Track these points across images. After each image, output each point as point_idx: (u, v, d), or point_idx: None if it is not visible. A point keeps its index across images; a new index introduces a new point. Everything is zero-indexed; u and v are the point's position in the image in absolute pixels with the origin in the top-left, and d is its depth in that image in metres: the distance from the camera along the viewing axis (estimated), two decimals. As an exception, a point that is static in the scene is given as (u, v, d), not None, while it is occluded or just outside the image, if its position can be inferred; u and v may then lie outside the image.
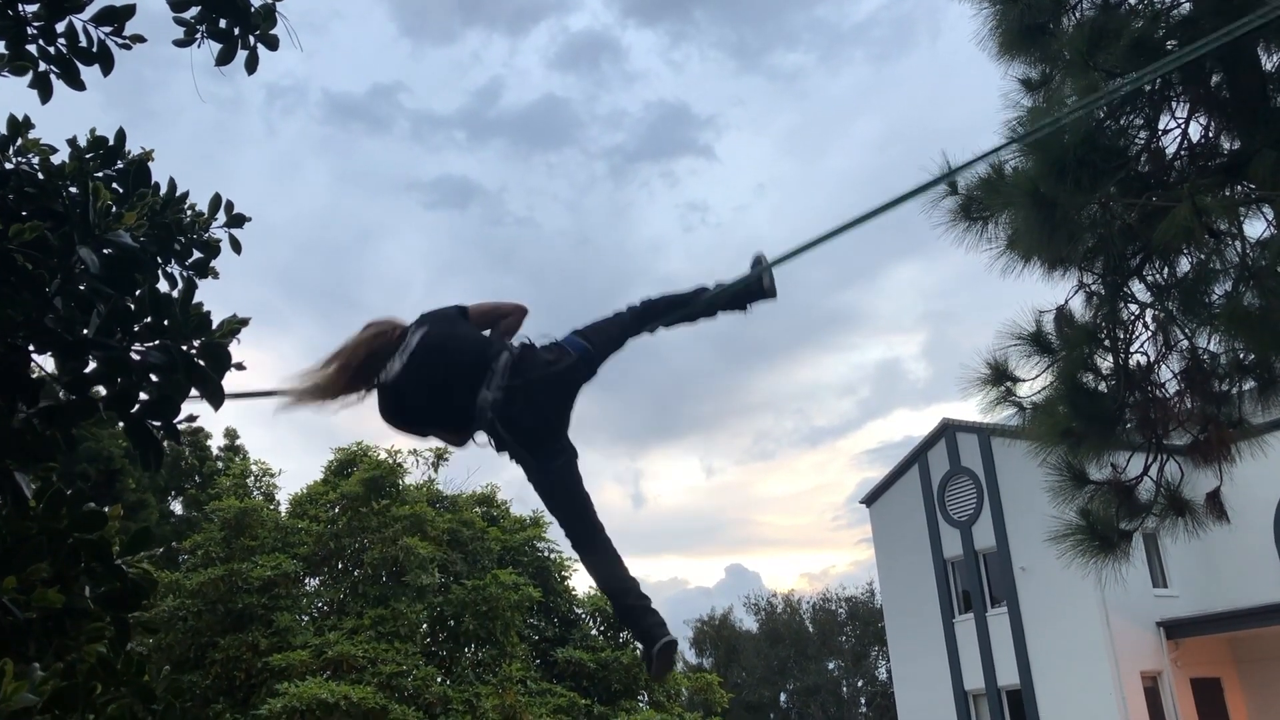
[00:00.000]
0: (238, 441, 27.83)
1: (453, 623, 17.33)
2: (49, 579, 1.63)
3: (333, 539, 17.90)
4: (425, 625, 17.42)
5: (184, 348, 1.59)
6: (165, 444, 1.76)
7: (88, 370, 1.56)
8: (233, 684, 15.87)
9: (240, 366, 1.90)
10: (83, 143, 2.51)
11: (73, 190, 1.63)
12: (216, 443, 27.66)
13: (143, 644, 15.93)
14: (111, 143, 2.46)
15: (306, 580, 18.15)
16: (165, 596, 16.50)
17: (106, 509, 1.74)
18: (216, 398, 1.72)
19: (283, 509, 19.92)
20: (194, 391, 1.78)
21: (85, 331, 1.50)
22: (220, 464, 26.07)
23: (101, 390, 1.60)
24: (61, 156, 2.59)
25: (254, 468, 21.37)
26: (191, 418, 1.87)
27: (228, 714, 15.46)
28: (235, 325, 1.76)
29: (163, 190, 2.61)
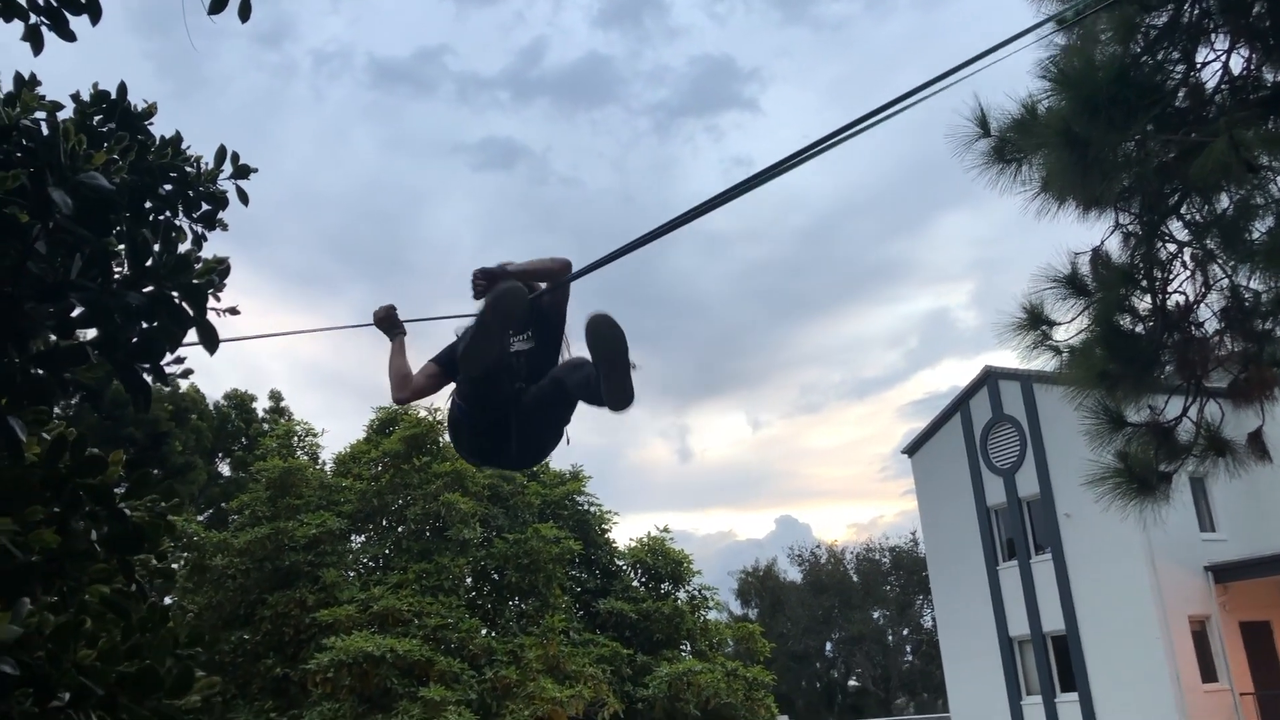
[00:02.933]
0: (282, 404, 28.25)
1: (496, 576, 17.57)
2: (45, 520, 1.67)
3: (376, 496, 18.16)
4: (469, 579, 17.68)
5: (166, 290, 1.60)
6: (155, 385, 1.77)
7: (73, 315, 1.57)
8: (282, 639, 16.23)
9: (234, 311, 1.91)
10: (86, 97, 2.53)
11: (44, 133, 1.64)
12: (262, 405, 28.08)
13: (193, 601, 16.32)
14: (114, 96, 2.47)
15: (351, 537, 18.45)
16: (215, 555, 16.86)
17: (109, 455, 1.77)
18: (210, 341, 1.74)
19: (327, 468, 20.22)
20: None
21: (69, 275, 1.51)
22: (265, 426, 26.47)
23: (89, 334, 1.62)
24: (67, 112, 2.61)
25: (298, 429, 21.68)
26: (180, 359, 1.89)
27: (278, 668, 15.83)
28: (213, 265, 1.77)
29: (168, 143, 2.63)
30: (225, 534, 17.52)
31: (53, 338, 1.60)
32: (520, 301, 3.23)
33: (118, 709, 1.40)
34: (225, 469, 26.58)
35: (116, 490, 1.75)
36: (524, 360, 3.79)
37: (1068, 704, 23.06)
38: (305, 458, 20.44)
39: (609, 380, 3.29)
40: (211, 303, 1.79)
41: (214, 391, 26.89)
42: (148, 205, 2.19)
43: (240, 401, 27.30)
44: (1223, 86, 6.86)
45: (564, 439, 3.79)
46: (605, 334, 3.23)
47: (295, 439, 21.11)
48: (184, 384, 24.85)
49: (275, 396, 28.29)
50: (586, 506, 19.61)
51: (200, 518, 21.90)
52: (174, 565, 21.97)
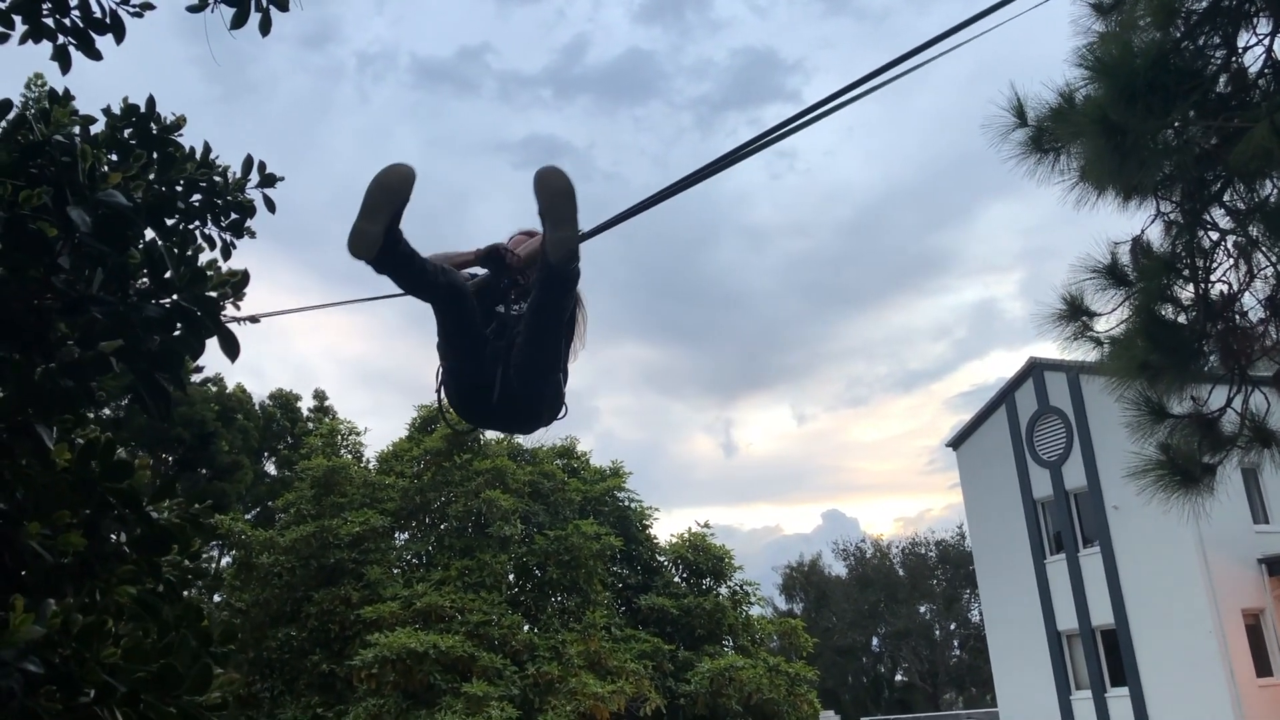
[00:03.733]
0: (326, 403, 28.62)
1: (537, 572, 17.68)
2: (73, 524, 1.73)
3: (418, 494, 18.34)
4: (510, 575, 17.81)
5: (182, 302, 1.66)
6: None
7: (95, 328, 1.63)
8: (328, 636, 16.45)
9: (254, 319, 1.96)
10: (116, 111, 2.60)
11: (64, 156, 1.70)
12: (306, 404, 28.47)
13: (240, 599, 16.59)
14: (143, 110, 2.54)
15: (394, 534, 18.66)
16: (261, 553, 17.13)
17: (135, 461, 1.83)
18: (231, 348, 1.79)
19: (370, 466, 20.47)
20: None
21: (91, 289, 1.57)
22: (310, 425, 26.83)
23: (112, 345, 1.67)
24: (99, 125, 2.68)
25: (342, 427, 21.95)
26: (199, 368, 1.94)
27: (324, 664, 16.05)
28: (227, 278, 1.82)
29: (198, 155, 2.69)
30: (271, 532, 17.79)
31: (76, 351, 1.66)
32: (403, 182, 2.98)
33: (141, 706, 1.45)
34: (271, 468, 26.98)
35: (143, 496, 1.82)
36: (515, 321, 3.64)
37: (1118, 699, 22.77)
38: (349, 456, 20.70)
39: (550, 232, 3.15)
40: (231, 311, 1.85)
41: (261, 391, 27.32)
42: (175, 219, 2.26)
43: (285, 401, 27.70)
44: (1266, 71, 6.74)
45: (563, 410, 3.71)
46: (551, 184, 3.09)
47: (339, 438, 21.38)
48: (230, 385, 25.31)
49: (319, 396, 28.71)
50: (627, 502, 19.67)
51: (247, 516, 22.25)
52: (222, 563, 22.38)
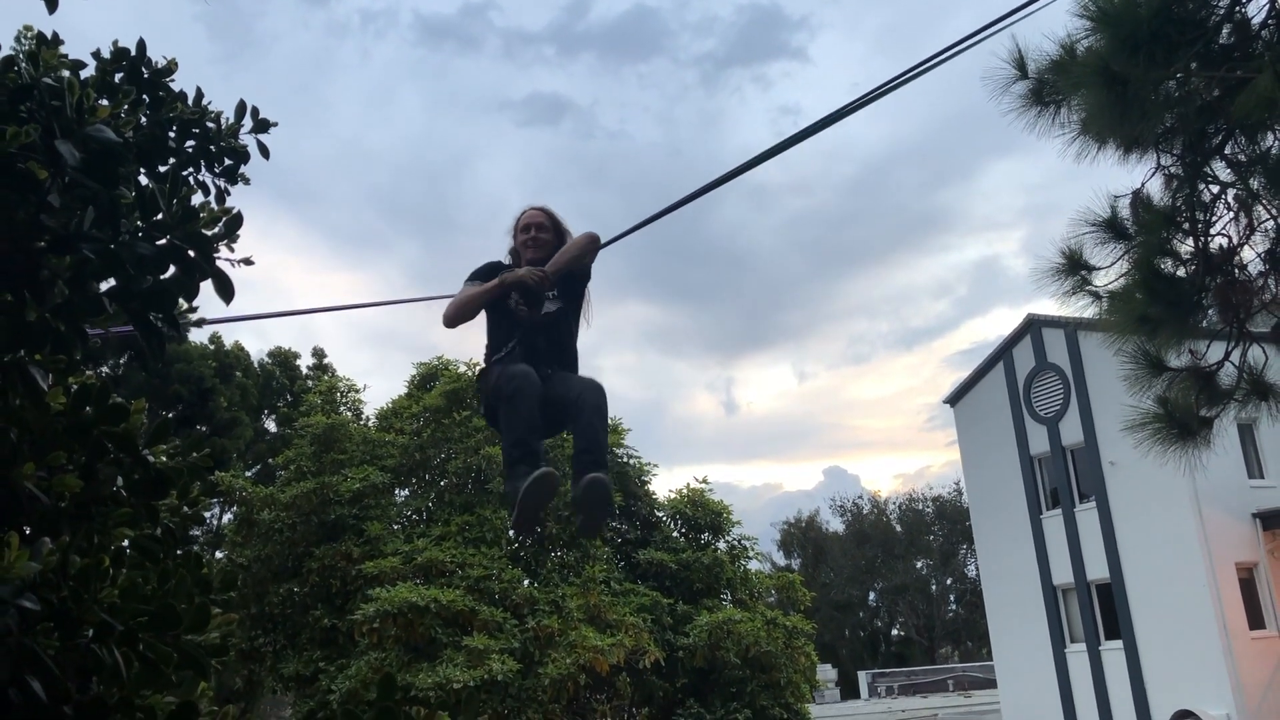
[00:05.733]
0: (325, 360, 28.62)
1: (537, 527, 17.76)
2: (68, 466, 1.72)
3: (418, 450, 18.39)
4: (510, 530, 17.90)
5: (175, 240, 1.64)
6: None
7: (86, 267, 1.61)
8: (329, 591, 16.57)
9: (248, 261, 1.95)
10: (106, 54, 2.56)
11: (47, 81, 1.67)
12: (305, 362, 28.48)
13: (242, 554, 16.70)
14: (133, 54, 2.50)
15: (395, 491, 18.72)
16: (262, 510, 17.20)
17: (131, 403, 1.82)
18: (226, 291, 1.78)
19: (370, 424, 20.50)
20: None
21: (82, 228, 1.55)
22: (309, 383, 26.85)
23: (103, 286, 1.66)
24: (89, 70, 2.64)
25: (341, 385, 21.97)
26: (194, 308, 1.93)
27: (326, 619, 16.18)
28: (219, 215, 1.80)
29: (190, 101, 2.66)
30: (272, 489, 17.85)
31: (66, 291, 1.64)
32: (552, 493, 3.75)
33: (140, 645, 1.46)
34: (271, 425, 27.04)
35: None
36: (552, 321, 4.29)
37: (1112, 651, 23.03)
38: (348, 414, 20.73)
39: (585, 522, 3.90)
40: (226, 254, 1.83)
41: (261, 349, 27.28)
42: (170, 162, 2.23)
43: (284, 359, 27.71)
44: (1269, 21, 6.67)
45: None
46: (595, 499, 3.75)
47: (339, 395, 21.40)
48: (229, 343, 25.30)
49: (318, 354, 28.70)
50: (626, 459, 19.74)
51: (248, 473, 22.33)
52: (223, 520, 22.48)
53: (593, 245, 4.35)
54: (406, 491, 19.00)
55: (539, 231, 4.44)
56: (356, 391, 21.66)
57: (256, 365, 26.34)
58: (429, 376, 19.96)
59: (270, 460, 21.98)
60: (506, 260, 4.56)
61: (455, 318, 4.24)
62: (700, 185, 4.48)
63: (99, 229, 1.56)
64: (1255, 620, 21.66)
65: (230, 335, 25.07)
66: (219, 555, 18.79)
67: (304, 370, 28.18)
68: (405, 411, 19.50)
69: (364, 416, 21.07)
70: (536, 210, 4.53)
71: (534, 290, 4.12)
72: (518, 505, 3.73)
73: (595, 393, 4.00)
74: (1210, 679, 20.93)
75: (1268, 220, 7.00)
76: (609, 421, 4.25)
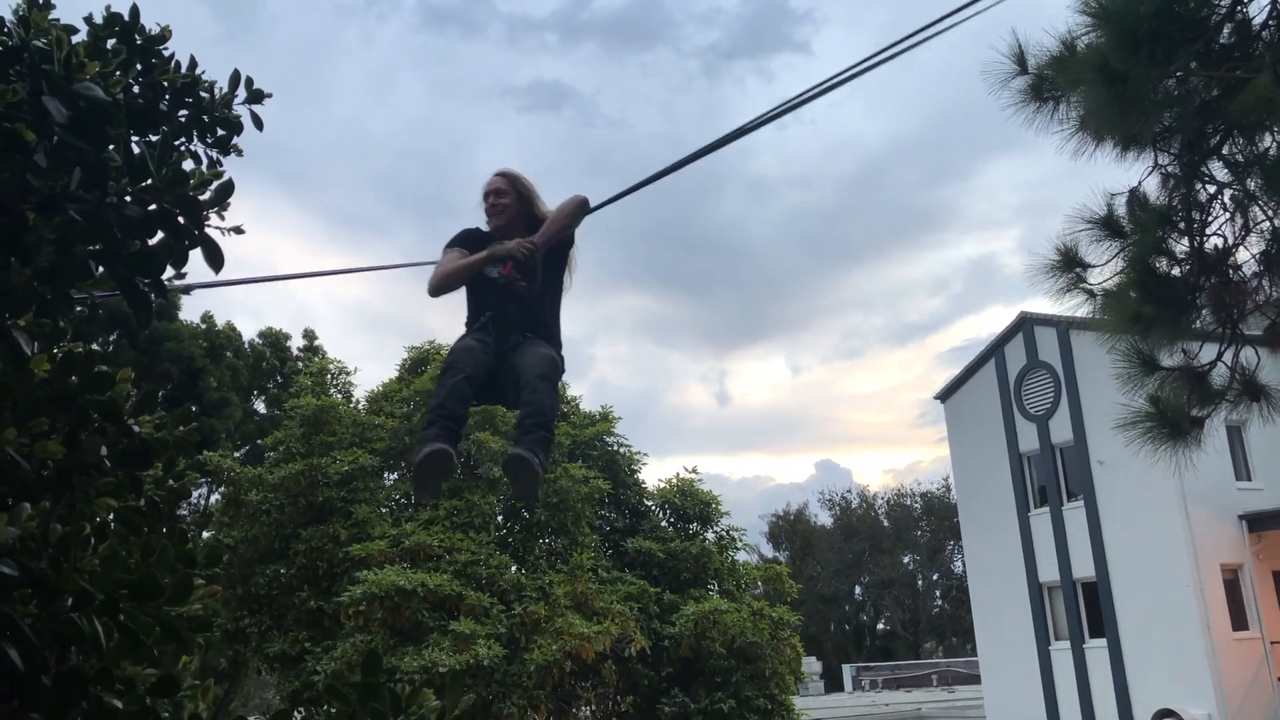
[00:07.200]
0: (316, 342, 28.51)
1: (525, 514, 17.75)
2: (50, 433, 1.70)
3: (408, 434, 18.34)
4: (498, 516, 17.89)
5: (165, 204, 1.61)
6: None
7: (73, 229, 1.58)
8: (316, 573, 16.53)
9: (239, 230, 1.91)
10: (99, 20, 2.52)
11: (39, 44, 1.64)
12: (295, 343, 28.36)
13: (229, 535, 16.64)
14: (127, 19, 2.47)
15: (383, 474, 18.67)
16: (250, 490, 17.14)
17: (117, 372, 1.79)
18: (215, 258, 1.75)
19: (360, 406, 20.44)
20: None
21: (68, 188, 1.52)
22: (300, 364, 26.75)
23: (90, 249, 1.63)
24: (81, 36, 2.60)
25: (331, 367, 21.89)
26: (182, 274, 1.89)
27: (312, 601, 16.15)
28: (208, 178, 1.77)
29: (184, 69, 2.62)
30: (260, 470, 17.79)
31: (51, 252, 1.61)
32: (444, 471, 3.80)
33: (119, 614, 1.43)
34: (260, 406, 26.93)
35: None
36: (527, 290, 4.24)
37: (1096, 650, 23.13)
38: (338, 396, 20.66)
39: (515, 491, 4.06)
40: (216, 221, 1.80)
41: (252, 329, 27.19)
42: (162, 130, 2.19)
43: (274, 340, 27.58)
44: (1270, 22, 6.66)
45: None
46: (514, 472, 3.84)
47: (329, 377, 21.32)
48: (220, 323, 25.16)
49: (309, 335, 28.57)
50: (616, 447, 19.72)
51: (236, 454, 22.25)
52: (210, 500, 22.41)
53: (581, 209, 4.32)
54: (395, 475, 18.96)
55: (498, 198, 4.41)
56: (347, 374, 21.60)
57: (247, 346, 26.22)
58: (420, 360, 19.91)
59: (259, 441, 21.90)
60: (485, 228, 4.51)
61: (440, 288, 4.23)
62: (698, 169, 4.45)
63: (86, 190, 1.52)
64: (1239, 621, 21.77)
65: (222, 315, 24.98)
66: (205, 535, 18.72)
67: (295, 351, 28.07)
68: (396, 395, 19.44)
69: (354, 399, 21.01)
70: (497, 176, 4.49)
71: (526, 264, 4.09)
72: (414, 470, 3.88)
73: (543, 364, 4.05)
74: (1193, 679, 21.05)
75: (1263, 221, 7.00)
76: (557, 388, 4.24)
